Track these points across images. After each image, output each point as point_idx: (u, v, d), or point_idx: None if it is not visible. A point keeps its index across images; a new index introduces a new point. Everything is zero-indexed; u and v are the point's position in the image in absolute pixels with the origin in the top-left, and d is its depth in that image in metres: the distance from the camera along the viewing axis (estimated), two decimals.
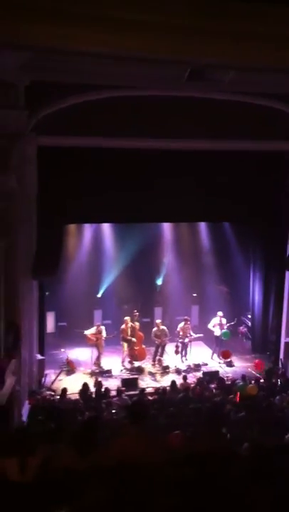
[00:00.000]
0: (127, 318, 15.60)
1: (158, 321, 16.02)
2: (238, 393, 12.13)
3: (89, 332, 15.15)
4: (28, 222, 12.23)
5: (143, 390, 13.06)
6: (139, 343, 15.55)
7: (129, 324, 15.50)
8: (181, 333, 15.57)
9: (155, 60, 7.74)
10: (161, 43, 6.86)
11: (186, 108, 12.46)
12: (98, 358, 15.11)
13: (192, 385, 13.23)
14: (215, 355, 15.96)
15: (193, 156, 13.16)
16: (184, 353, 15.66)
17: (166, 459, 4.37)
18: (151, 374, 14.86)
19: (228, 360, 15.51)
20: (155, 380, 14.43)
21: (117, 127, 12.15)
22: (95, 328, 15.27)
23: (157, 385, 13.81)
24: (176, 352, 15.66)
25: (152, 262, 17.54)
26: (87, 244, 17.05)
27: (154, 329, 15.63)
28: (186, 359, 15.57)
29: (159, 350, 15.53)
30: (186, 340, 15.59)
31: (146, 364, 15.40)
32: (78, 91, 11.80)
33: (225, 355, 15.53)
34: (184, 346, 15.64)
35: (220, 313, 16.01)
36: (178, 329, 15.62)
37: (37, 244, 12.59)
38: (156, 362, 15.43)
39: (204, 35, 5.97)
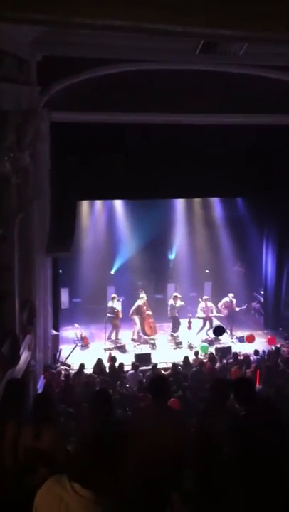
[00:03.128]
0: (143, 295, 15.76)
1: (177, 294, 16.09)
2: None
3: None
4: (42, 198, 12.26)
5: (155, 365, 13.21)
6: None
7: (145, 299, 15.68)
8: (202, 313, 15.70)
9: (167, 32, 7.61)
10: (174, 14, 6.70)
11: (200, 82, 12.32)
12: (117, 333, 15.31)
13: (205, 360, 13.36)
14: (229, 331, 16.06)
15: (206, 131, 13.03)
16: (202, 330, 15.80)
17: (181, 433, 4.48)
18: (164, 349, 15.03)
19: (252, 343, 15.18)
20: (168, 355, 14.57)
21: (130, 102, 12.05)
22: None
23: (170, 360, 13.94)
24: (189, 328, 15.79)
25: (165, 239, 17.56)
26: (100, 221, 17.10)
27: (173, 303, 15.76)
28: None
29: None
30: (204, 315, 15.70)
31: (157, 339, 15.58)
32: (90, 66, 11.70)
33: (249, 339, 15.39)
34: (205, 324, 15.78)
35: (231, 295, 16.06)
36: (200, 309, 15.74)
37: (50, 221, 12.64)
38: (171, 337, 15.61)
39: (218, 5, 5.83)
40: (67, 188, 12.58)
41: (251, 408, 4.55)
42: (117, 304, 15.41)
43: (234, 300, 16.02)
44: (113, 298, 15.57)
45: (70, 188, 12.66)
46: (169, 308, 15.85)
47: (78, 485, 2.59)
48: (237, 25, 7.02)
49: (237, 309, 16.06)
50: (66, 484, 2.62)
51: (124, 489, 2.64)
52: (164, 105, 12.26)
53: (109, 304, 15.49)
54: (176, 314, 15.78)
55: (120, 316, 15.40)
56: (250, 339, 15.25)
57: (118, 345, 14.98)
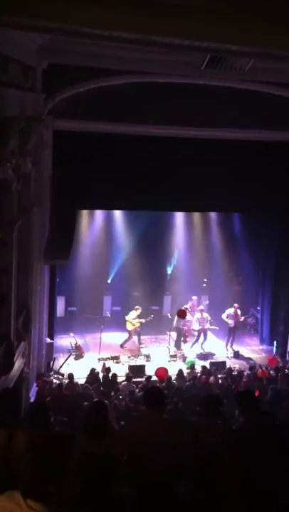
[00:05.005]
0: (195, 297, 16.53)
1: (202, 307, 16.13)
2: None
3: (131, 317, 15.31)
4: (42, 205, 12.25)
5: (150, 377, 13.12)
6: None
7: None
8: (198, 325, 15.67)
9: (174, 45, 7.66)
10: (182, 27, 6.77)
11: (203, 96, 12.37)
12: (139, 342, 15.37)
13: (199, 374, 13.28)
14: (228, 347, 15.96)
15: (206, 145, 13.07)
16: (197, 342, 15.77)
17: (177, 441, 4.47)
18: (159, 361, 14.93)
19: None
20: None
21: (133, 114, 12.10)
22: (134, 311, 15.42)
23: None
24: (184, 341, 15.73)
25: (163, 250, 17.55)
26: (98, 230, 17.08)
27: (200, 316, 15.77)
28: (203, 349, 15.67)
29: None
30: (199, 327, 15.65)
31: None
32: (96, 75, 11.76)
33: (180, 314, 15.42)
34: (199, 336, 15.73)
35: (236, 305, 16.01)
36: (195, 320, 15.70)
37: (50, 228, 12.62)
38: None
39: (226, 20, 5.88)
40: (67, 197, 12.55)
41: (252, 418, 4.59)
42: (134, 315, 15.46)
43: (239, 311, 15.94)
44: (136, 309, 15.57)
45: (71, 197, 12.63)
46: (198, 322, 15.74)
47: (32, 500, 2.56)
48: (244, 40, 7.09)
49: (242, 319, 16.07)
50: (20, 501, 2.57)
51: (78, 499, 2.64)
52: (168, 118, 12.31)
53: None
54: (208, 326, 15.71)
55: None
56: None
57: (112, 355, 14.87)
